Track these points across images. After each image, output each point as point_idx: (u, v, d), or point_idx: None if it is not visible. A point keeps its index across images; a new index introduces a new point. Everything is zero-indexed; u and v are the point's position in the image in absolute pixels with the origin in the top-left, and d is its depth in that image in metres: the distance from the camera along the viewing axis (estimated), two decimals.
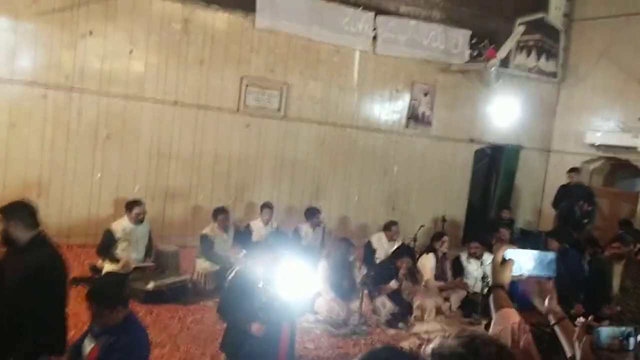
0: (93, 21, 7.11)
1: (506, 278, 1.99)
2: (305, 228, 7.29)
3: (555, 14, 10.90)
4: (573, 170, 9.34)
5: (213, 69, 7.93)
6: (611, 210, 10.10)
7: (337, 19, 8.67)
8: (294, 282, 4.10)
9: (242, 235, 6.90)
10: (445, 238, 6.86)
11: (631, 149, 9.80)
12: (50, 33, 6.91)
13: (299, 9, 8.36)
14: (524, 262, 2.01)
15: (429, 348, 1.42)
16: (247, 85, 8.16)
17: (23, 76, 6.84)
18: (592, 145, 10.45)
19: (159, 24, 7.53)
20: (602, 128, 10.41)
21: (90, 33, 7.13)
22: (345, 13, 8.72)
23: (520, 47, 10.54)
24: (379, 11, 9.02)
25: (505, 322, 1.88)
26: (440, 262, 6.72)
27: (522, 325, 1.88)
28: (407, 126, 9.68)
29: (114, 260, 5.82)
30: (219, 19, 7.92)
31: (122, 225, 5.99)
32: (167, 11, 7.56)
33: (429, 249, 6.89)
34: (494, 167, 11.03)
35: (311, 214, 7.33)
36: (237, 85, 8.11)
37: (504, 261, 1.98)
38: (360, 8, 8.82)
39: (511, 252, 1.98)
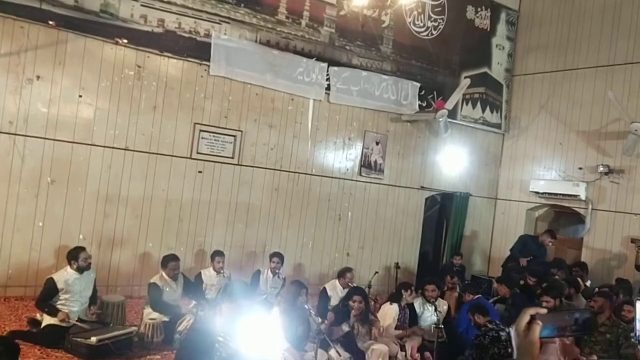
0: (40, 66, 6.96)
1: (532, 354, 1.50)
2: (267, 272, 7.27)
3: (497, 69, 11.53)
4: (552, 235, 9.30)
5: (166, 115, 7.86)
6: (557, 255, 10.43)
7: (291, 68, 8.84)
8: (256, 335, 3.95)
9: (192, 284, 6.67)
10: (413, 288, 6.85)
11: (573, 197, 10.25)
12: None
13: (254, 58, 8.48)
14: (557, 323, 1.58)
15: None
16: (200, 132, 8.11)
17: None
18: (536, 193, 10.86)
19: (111, 69, 7.44)
20: (544, 177, 10.88)
21: (38, 78, 6.96)
22: (299, 63, 8.91)
23: (467, 99, 11.02)
24: (332, 62, 9.28)
25: None
26: (403, 312, 6.66)
27: None
28: (360, 173, 9.82)
29: (54, 312, 5.49)
30: (173, 65, 7.92)
31: (64, 275, 5.69)
32: (119, 57, 7.50)
33: (394, 298, 6.79)
34: (444, 214, 11.27)
35: (270, 257, 7.42)
36: (190, 131, 8.05)
37: (530, 324, 1.53)
38: (314, 59, 9.04)
39: (541, 317, 1.54)
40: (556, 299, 6.12)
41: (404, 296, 6.68)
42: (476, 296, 7.01)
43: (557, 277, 7.84)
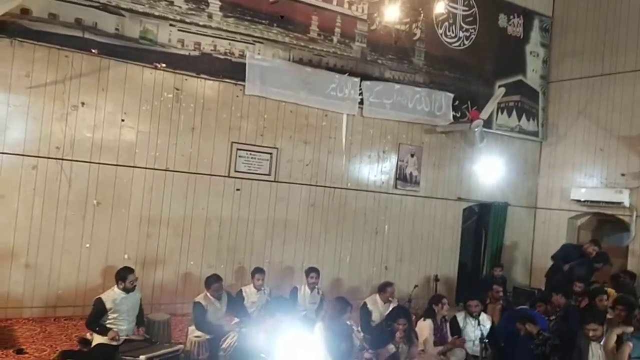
0: (85, 93, 7.23)
1: None
2: (304, 289, 7.28)
3: (532, 76, 11.39)
4: (597, 244, 9.10)
5: (204, 135, 8.04)
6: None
7: (324, 85, 8.93)
8: (297, 351, 3.98)
9: (235, 302, 6.75)
10: (445, 301, 6.74)
11: (616, 204, 9.98)
12: (42, 105, 6.99)
13: (287, 76, 8.62)
14: None
15: None
16: (237, 150, 8.26)
17: (14, 148, 6.85)
18: (578, 201, 10.62)
19: (150, 93, 7.68)
20: (586, 184, 10.63)
21: (83, 104, 7.23)
22: (332, 79, 9.00)
23: (502, 108, 10.91)
24: (365, 77, 9.33)
25: None
26: (440, 326, 6.59)
27: None
28: (395, 186, 9.80)
29: (104, 331, 5.64)
30: (209, 87, 8.11)
31: (112, 295, 5.83)
32: (159, 81, 7.73)
33: (427, 313, 6.74)
34: (483, 224, 11.12)
35: (307, 272, 7.40)
36: (227, 150, 8.21)
37: (619, 344, 1.50)
38: (347, 74, 9.12)
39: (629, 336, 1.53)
40: (603, 324, 5.84)
41: (436, 310, 6.62)
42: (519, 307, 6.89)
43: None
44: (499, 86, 10.61)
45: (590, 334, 4.93)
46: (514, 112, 11.13)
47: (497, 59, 10.91)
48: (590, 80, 10.81)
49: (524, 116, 11.25)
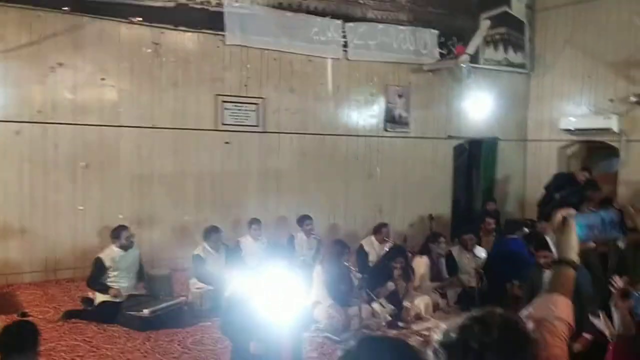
0: (61, 53, 7.04)
1: (573, 248, 1.59)
2: (300, 236, 7.36)
3: (517, 7, 11.15)
4: (588, 171, 9.19)
5: (187, 89, 7.90)
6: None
7: (306, 29, 8.73)
8: (291, 297, 4.05)
9: (233, 253, 6.83)
10: (442, 239, 6.86)
11: (605, 130, 10.01)
12: (20, 69, 6.82)
13: (268, 23, 8.40)
14: (587, 223, 1.65)
15: (436, 337, 1.38)
16: (223, 102, 8.14)
17: None
18: (567, 130, 10.64)
19: (128, 49, 7.49)
20: (574, 113, 10.62)
21: (60, 65, 7.05)
22: (314, 23, 8.79)
23: (488, 41, 10.74)
24: (347, 18, 9.12)
25: (548, 312, 1.49)
26: (436, 262, 6.72)
27: (567, 330, 1.46)
28: (385, 129, 9.75)
29: (106, 290, 5.72)
30: (189, 39, 7.92)
31: (110, 253, 5.89)
32: (136, 36, 7.52)
33: (423, 250, 6.87)
34: (474, 161, 11.15)
35: (302, 220, 7.43)
36: (212, 103, 8.09)
37: (563, 224, 1.63)
38: (328, 17, 8.90)
39: (571, 217, 1.63)
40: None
41: (432, 248, 6.74)
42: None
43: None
44: (484, 19, 10.39)
45: (542, 260, 4.79)
46: (501, 45, 10.96)
47: None
48: (576, 7, 10.60)
49: (510, 48, 11.09)
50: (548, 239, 1.57)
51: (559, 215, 1.65)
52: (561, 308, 1.49)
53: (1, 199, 6.82)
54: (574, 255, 1.58)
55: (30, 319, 5.22)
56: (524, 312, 1.52)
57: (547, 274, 4.59)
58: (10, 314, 5.60)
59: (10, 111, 6.80)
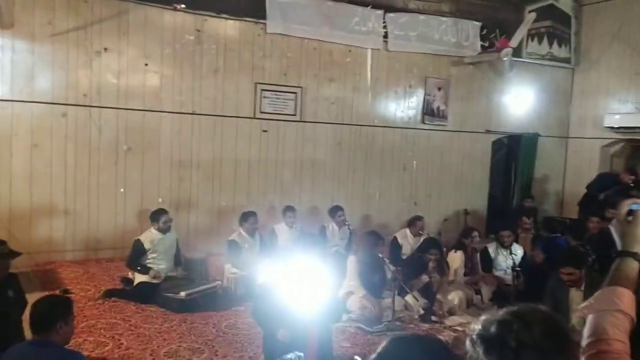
0: (106, 38, 7.19)
1: (639, 241, 1.52)
2: (332, 226, 7.37)
3: (564, 0, 10.83)
4: (632, 172, 8.89)
5: (228, 77, 7.98)
6: None
7: (346, 19, 8.68)
8: (321, 287, 4.06)
9: (268, 240, 6.91)
10: (476, 234, 6.75)
11: None
12: (67, 53, 7.00)
13: (309, 12, 8.38)
14: None
15: (474, 327, 1.35)
16: (262, 91, 8.20)
17: (42, 96, 6.93)
18: (611, 128, 10.34)
19: (172, 36, 7.60)
20: (619, 110, 10.30)
21: (105, 50, 7.21)
22: (355, 13, 8.73)
23: (532, 34, 10.49)
24: (388, 8, 9.03)
25: (610, 304, 1.42)
26: (470, 258, 6.65)
27: (629, 324, 1.38)
28: (423, 121, 9.66)
29: (145, 271, 5.87)
30: (230, 27, 7.98)
31: (149, 236, 6.04)
32: (179, 23, 7.62)
33: (458, 245, 6.79)
34: (513, 156, 10.94)
35: (334, 211, 7.44)
36: (252, 91, 8.15)
37: (630, 214, 1.56)
38: (369, 7, 8.83)
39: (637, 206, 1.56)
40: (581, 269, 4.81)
41: (466, 243, 6.65)
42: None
43: None
44: (529, 11, 10.13)
45: (565, 278, 4.45)
46: (545, 39, 10.68)
47: None
48: (625, 1, 10.24)
49: (555, 42, 10.79)
50: (612, 229, 1.47)
51: (625, 205, 1.58)
52: (625, 301, 1.43)
53: (47, 179, 7.04)
54: (639, 248, 1.53)
55: (71, 296, 5.43)
56: (583, 304, 1.47)
57: (575, 293, 4.45)
58: (52, 290, 5.79)
59: (58, 94, 7.00)
